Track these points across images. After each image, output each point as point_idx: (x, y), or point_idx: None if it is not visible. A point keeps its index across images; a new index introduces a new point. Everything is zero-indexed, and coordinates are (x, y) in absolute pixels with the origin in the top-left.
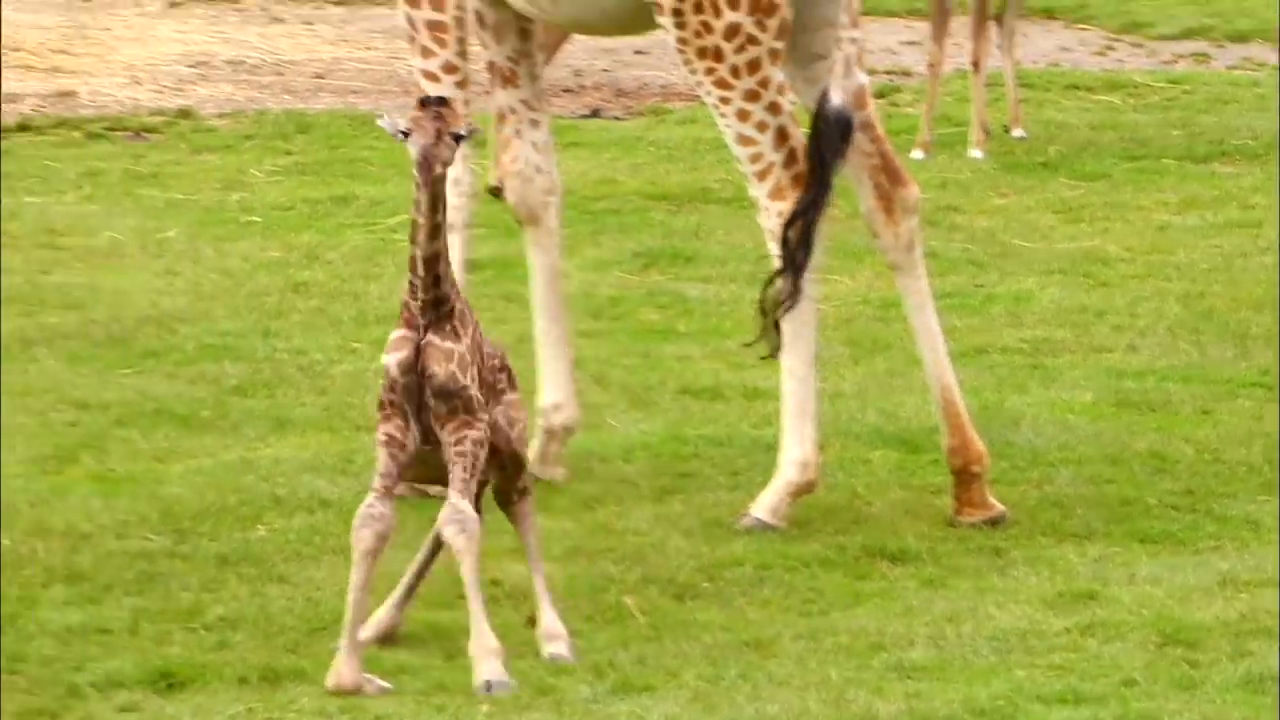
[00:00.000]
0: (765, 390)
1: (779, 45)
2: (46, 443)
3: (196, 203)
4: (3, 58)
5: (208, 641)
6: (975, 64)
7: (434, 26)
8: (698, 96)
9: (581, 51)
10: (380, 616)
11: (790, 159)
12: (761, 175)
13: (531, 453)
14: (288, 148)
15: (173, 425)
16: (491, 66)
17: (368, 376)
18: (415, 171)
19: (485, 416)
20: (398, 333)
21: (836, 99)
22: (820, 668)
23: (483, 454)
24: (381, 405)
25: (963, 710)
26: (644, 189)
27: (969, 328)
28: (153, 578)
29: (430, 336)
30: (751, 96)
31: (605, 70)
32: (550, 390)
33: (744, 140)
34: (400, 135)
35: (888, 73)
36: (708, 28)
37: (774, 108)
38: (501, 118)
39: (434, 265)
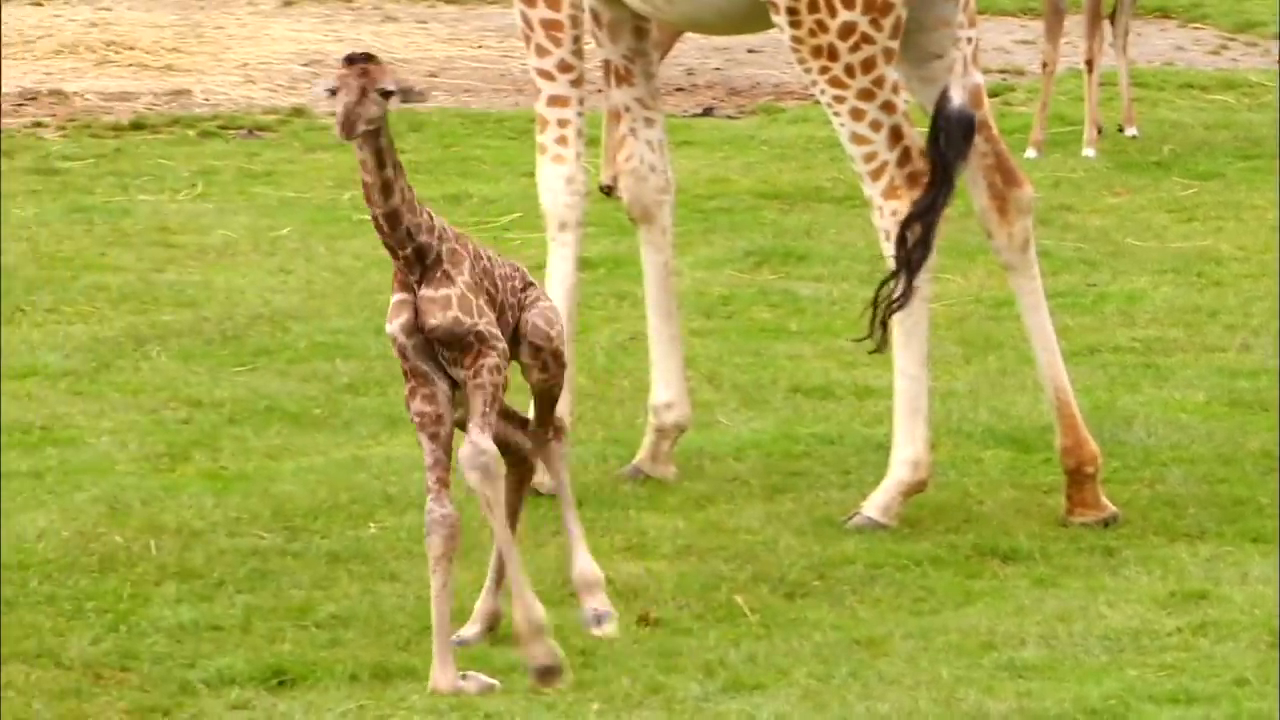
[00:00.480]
0: (877, 389)
1: (893, 44)
2: (159, 440)
3: (309, 201)
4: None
5: (319, 639)
6: (1089, 63)
7: (549, 25)
8: (811, 95)
9: (694, 50)
10: (479, 609)
11: (904, 158)
12: (875, 174)
13: (643, 451)
14: (401, 146)
15: (285, 423)
16: (606, 65)
17: None
18: (338, 130)
19: (500, 345)
20: (395, 297)
21: (957, 98)
22: (931, 666)
23: (501, 380)
24: (406, 379)
25: (1074, 709)
26: (756, 188)
27: (1081, 327)
28: (264, 575)
29: (423, 291)
30: (866, 95)
31: (718, 69)
32: (662, 389)
33: (858, 139)
34: (328, 93)
35: (1001, 72)
36: (822, 26)
37: (888, 107)
38: (616, 116)
39: (396, 221)
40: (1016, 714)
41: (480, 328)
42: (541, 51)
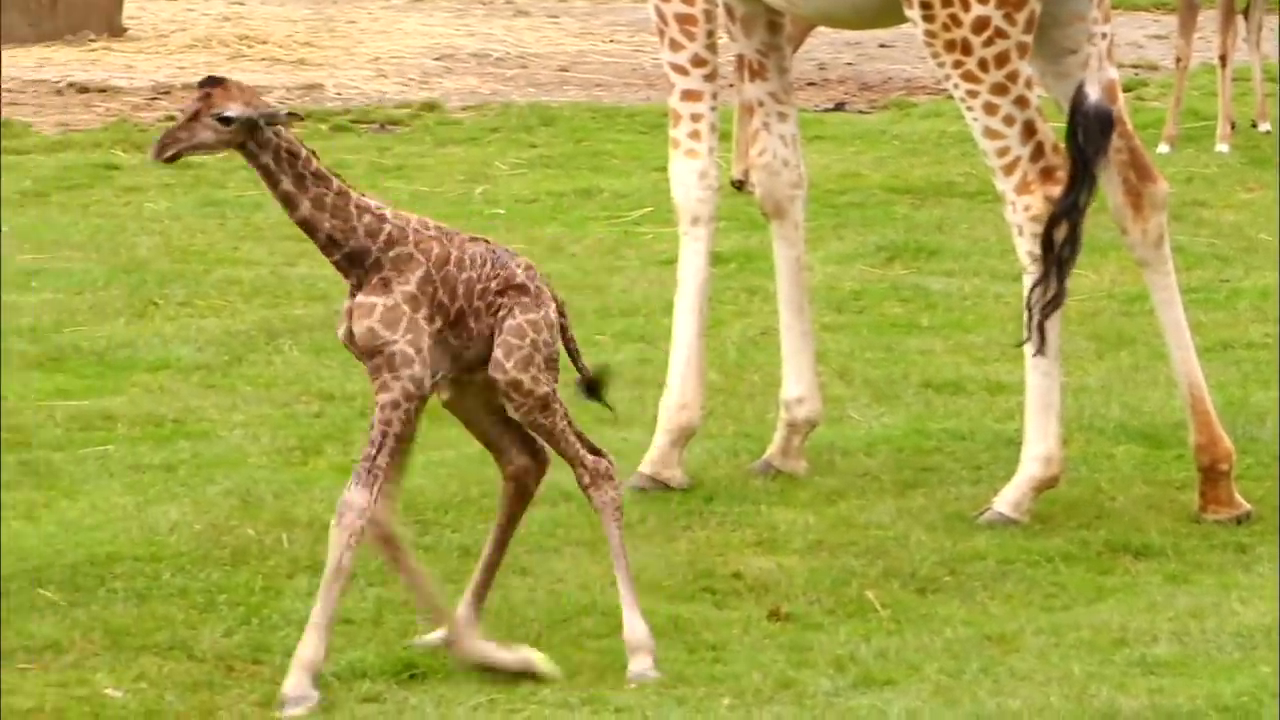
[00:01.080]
0: (1008, 385)
1: (1027, 39)
2: (291, 434)
3: (441, 195)
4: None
5: None
6: (1222, 58)
7: (683, 19)
8: (942, 90)
9: (826, 44)
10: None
11: (1037, 153)
12: (1008, 169)
13: (774, 446)
14: (532, 140)
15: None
16: (740, 59)
17: (610, 369)
18: (150, 151)
19: (409, 374)
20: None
21: (1094, 94)
22: (1062, 663)
23: (398, 417)
24: None
25: (1206, 706)
26: (887, 182)
27: (1214, 323)
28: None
29: (358, 295)
30: (999, 90)
31: (850, 63)
32: (793, 384)
33: (991, 134)
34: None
35: (1134, 67)
36: (956, 21)
37: (1021, 101)
38: (749, 111)
39: (311, 230)
40: (1148, 711)
41: (396, 347)
42: (675, 46)
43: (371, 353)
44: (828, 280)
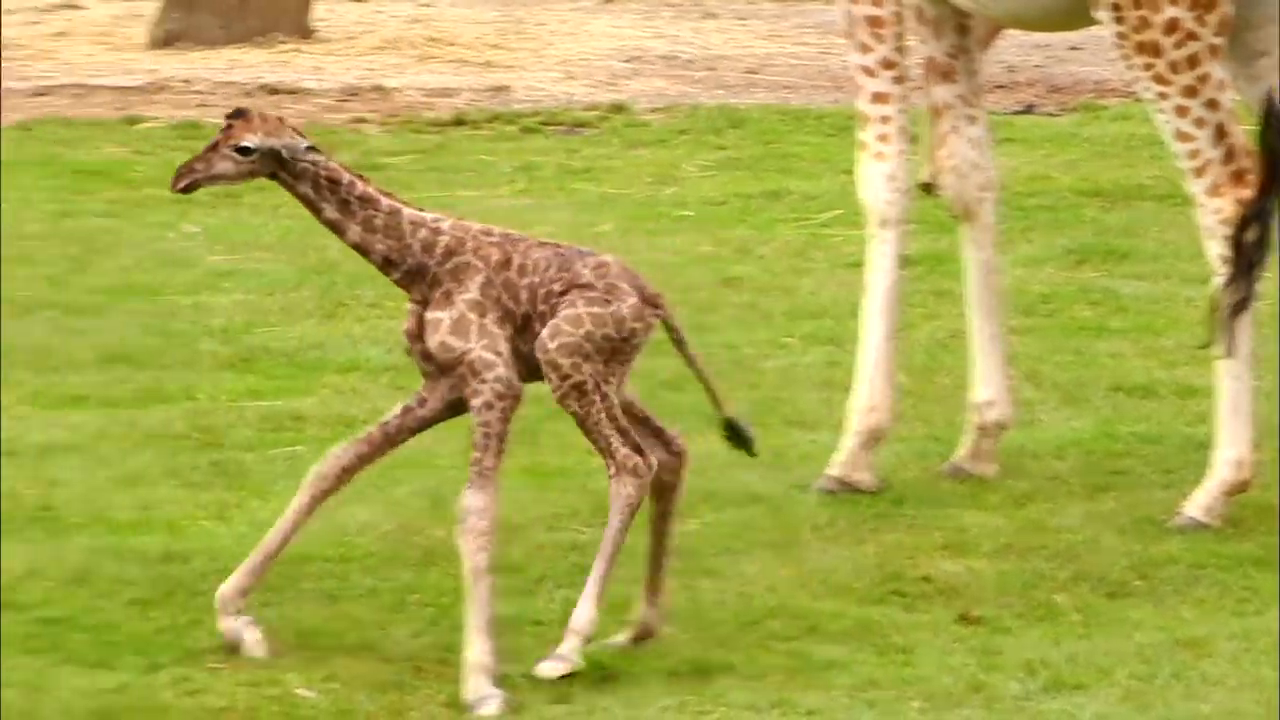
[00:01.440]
0: (1199, 388)
1: (1219, 41)
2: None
3: (629, 197)
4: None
5: None
6: None
7: (872, 22)
8: (1132, 92)
9: (1014, 47)
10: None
11: (1229, 156)
12: (1199, 171)
13: (963, 448)
14: (720, 142)
15: None
16: (929, 62)
17: (799, 371)
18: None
19: (494, 374)
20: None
21: None
22: (1255, 668)
23: (496, 416)
24: None
25: None
26: (1077, 185)
27: None
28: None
29: (427, 313)
30: (1190, 92)
31: (1039, 66)
32: (983, 387)
33: (1181, 136)
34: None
35: None
36: (1146, 23)
37: (1213, 104)
38: (938, 113)
39: (367, 254)
40: None
41: (473, 354)
42: (864, 48)
43: (452, 365)
44: (1017, 283)
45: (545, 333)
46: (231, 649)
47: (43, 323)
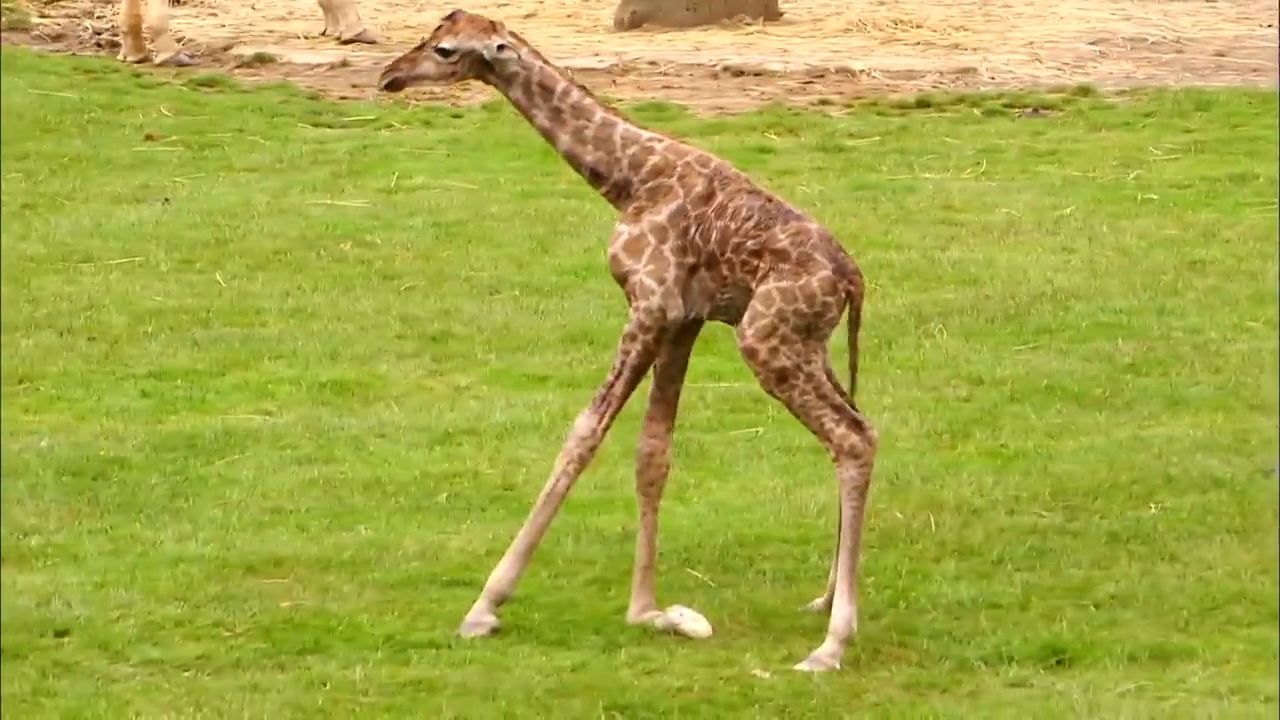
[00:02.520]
0: None
1: None
2: (940, 418)
3: (1093, 180)
4: None
5: (1097, 619)
6: None
7: None
8: None
9: None
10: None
11: None
12: None
13: None
14: (1186, 125)
15: (1065, 402)
16: None
17: (1263, 356)
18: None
19: (648, 304)
20: None
21: None
22: None
23: (636, 349)
24: None
25: None
26: None
27: None
28: (1043, 554)
29: (618, 224)
30: None
31: None
32: None
33: None
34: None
35: None
36: None
37: None
38: None
39: (577, 164)
40: None
41: (638, 276)
42: None
43: (620, 280)
44: None
45: (744, 318)
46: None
47: (506, 303)
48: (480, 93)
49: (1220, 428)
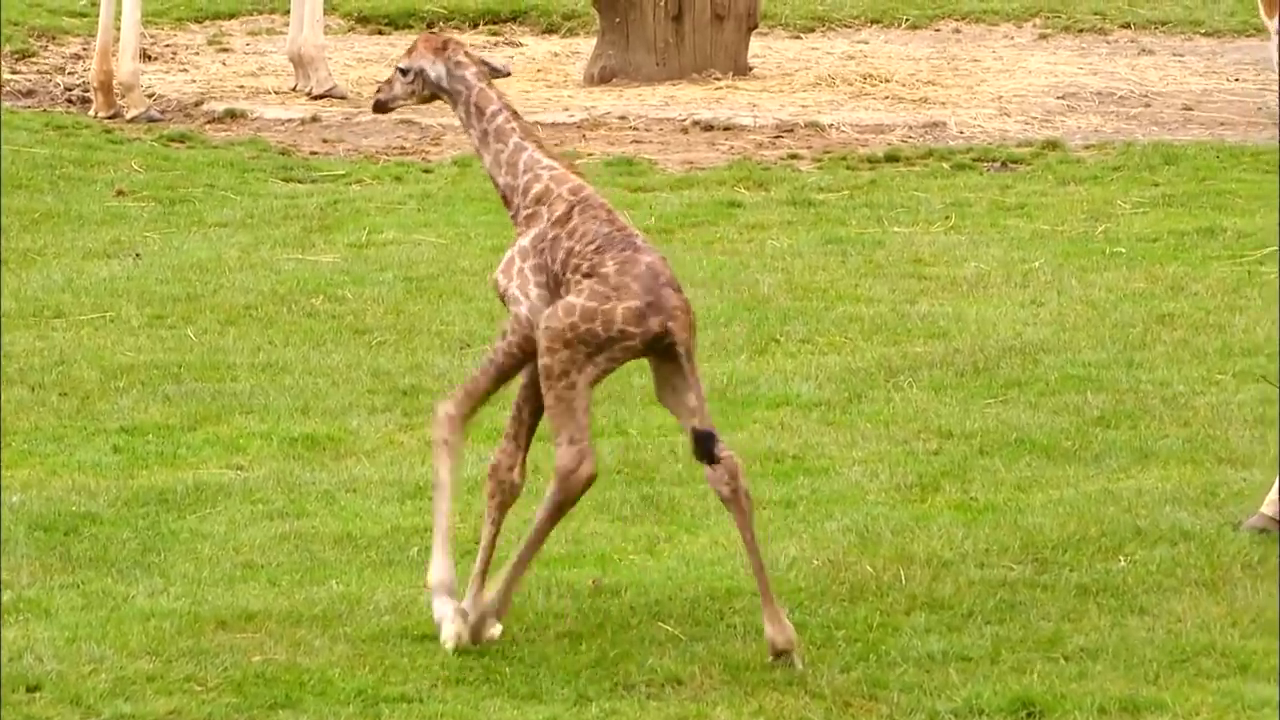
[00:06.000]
0: None
1: None
2: (910, 471)
3: (1062, 233)
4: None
5: (1068, 671)
6: None
7: None
8: None
9: None
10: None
11: None
12: None
13: None
14: (1154, 179)
15: (1035, 455)
16: None
17: (1231, 409)
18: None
19: (516, 312)
20: None
21: None
22: None
23: (499, 357)
24: None
25: None
26: None
27: None
28: (1013, 606)
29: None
30: None
31: None
32: None
33: None
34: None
35: None
36: None
37: None
38: None
39: (494, 185)
40: None
41: (507, 289)
42: None
43: (501, 299)
44: None
45: (546, 311)
46: None
47: (477, 357)
48: (451, 147)
49: (1189, 480)
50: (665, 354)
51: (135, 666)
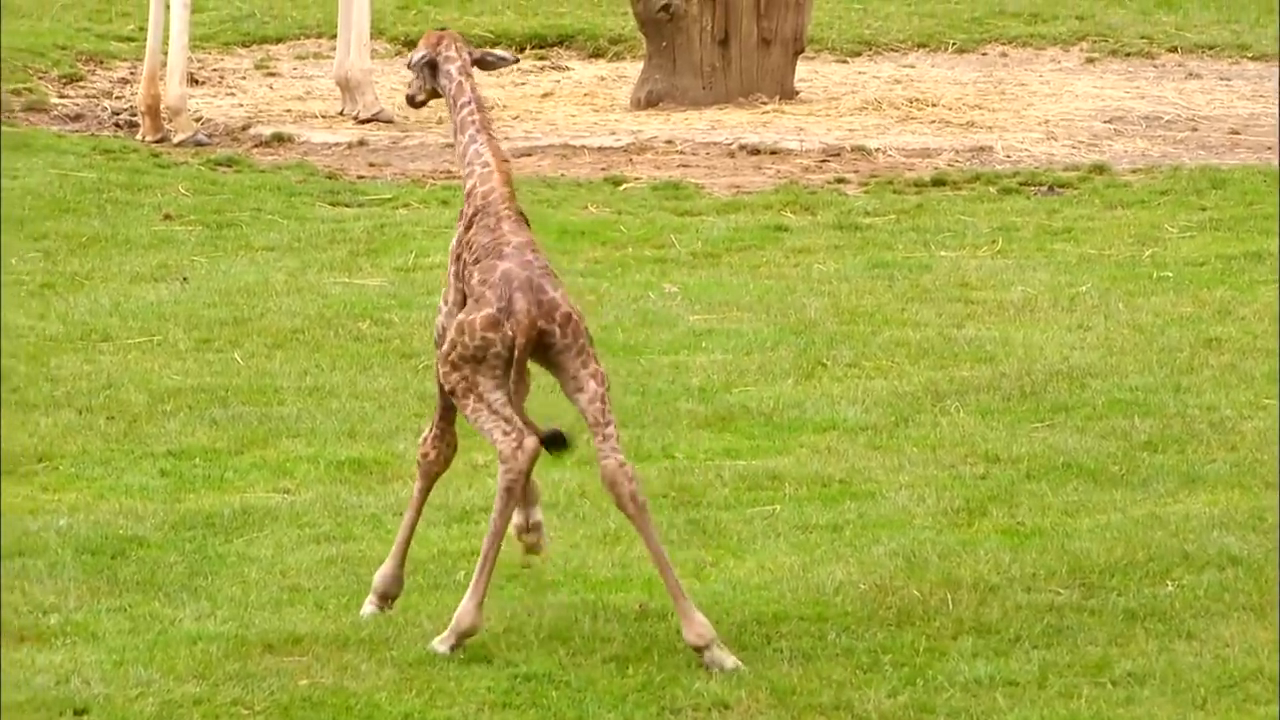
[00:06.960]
0: None
1: None
2: (957, 495)
3: (1109, 257)
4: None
5: (1115, 697)
6: None
7: None
8: None
9: None
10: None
11: None
12: None
13: None
14: (1202, 203)
15: (1082, 479)
16: None
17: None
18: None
19: (437, 320)
20: None
21: None
22: None
23: (442, 371)
24: None
25: None
26: None
27: None
28: (1060, 631)
29: None
30: None
31: None
32: None
33: None
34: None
35: None
36: None
37: None
38: None
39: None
40: None
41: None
42: None
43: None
44: None
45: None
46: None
47: None
48: None
49: (1237, 505)
50: (547, 355)
51: (182, 690)
